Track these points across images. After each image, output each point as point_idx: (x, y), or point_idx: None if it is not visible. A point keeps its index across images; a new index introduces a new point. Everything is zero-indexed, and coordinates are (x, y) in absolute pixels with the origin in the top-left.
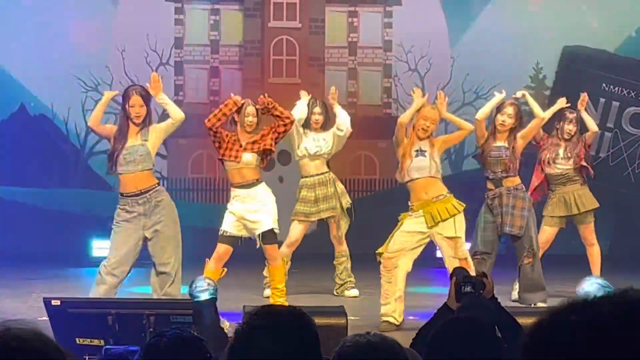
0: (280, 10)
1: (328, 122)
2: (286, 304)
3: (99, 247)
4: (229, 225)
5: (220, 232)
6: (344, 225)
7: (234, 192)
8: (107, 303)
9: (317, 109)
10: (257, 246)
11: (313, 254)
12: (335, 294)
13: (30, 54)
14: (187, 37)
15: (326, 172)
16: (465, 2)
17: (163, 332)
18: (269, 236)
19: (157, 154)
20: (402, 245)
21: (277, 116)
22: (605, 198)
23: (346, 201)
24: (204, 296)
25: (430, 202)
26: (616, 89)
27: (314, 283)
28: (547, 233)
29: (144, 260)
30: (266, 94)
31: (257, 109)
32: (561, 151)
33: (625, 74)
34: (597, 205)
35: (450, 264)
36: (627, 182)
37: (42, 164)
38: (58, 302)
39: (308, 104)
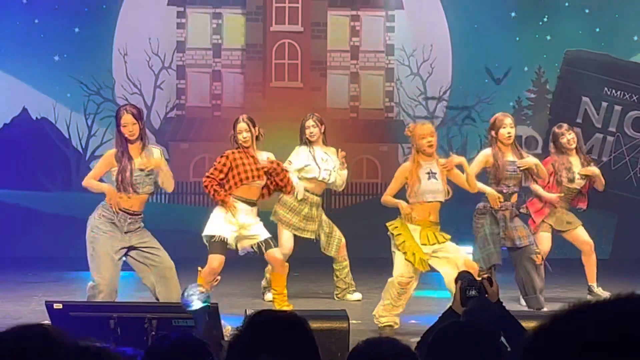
0: (283, 14)
1: (323, 134)
2: (291, 307)
3: None
4: (228, 233)
5: (217, 240)
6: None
7: (239, 204)
8: (109, 307)
9: (310, 122)
10: (262, 253)
11: (314, 258)
12: (336, 298)
13: (32, 57)
14: (190, 41)
15: (320, 195)
16: (467, 6)
17: (166, 335)
18: (272, 242)
19: None
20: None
21: (278, 184)
22: (607, 202)
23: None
24: (197, 305)
25: (432, 224)
26: (618, 93)
27: (316, 287)
28: (546, 239)
29: None
30: (274, 159)
31: (247, 122)
32: (576, 167)
33: (627, 78)
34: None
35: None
36: (629, 186)
37: (44, 167)
38: (60, 306)
39: (302, 122)
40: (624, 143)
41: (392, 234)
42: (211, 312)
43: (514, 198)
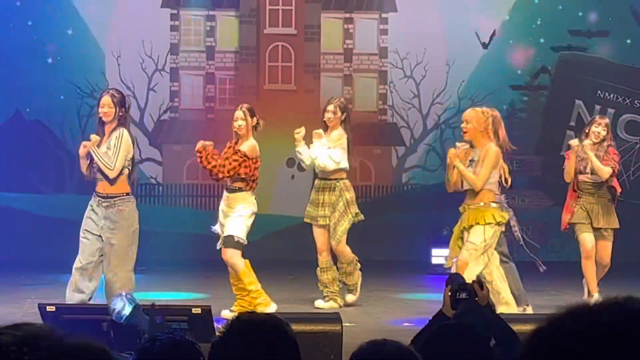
0: (276, 16)
1: (343, 122)
2: (265, 303)
3: None
4: (217, 225)
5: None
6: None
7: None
8: (102, 309)
9: (331, 107)
10: (217, 247)
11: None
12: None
13: (25, 59)
14: (183, 43)
15: (334, 178)
16: (461, 8)
17: (157, 336)
18: (228, 242)
19: (152, 160)
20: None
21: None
22: None
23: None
24: (127, 310)
25: (465, 209)
26: (611, 95)
27: (310, 290)
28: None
29: (140, 266)
30: (206, 143)
31: (244, 111)
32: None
33: (620, 81)
34: (618, 225)
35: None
36: (623, 189)
37: (37, 169)
38: (53, 308)
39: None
40: (617, 146)
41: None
42: (150, 310)
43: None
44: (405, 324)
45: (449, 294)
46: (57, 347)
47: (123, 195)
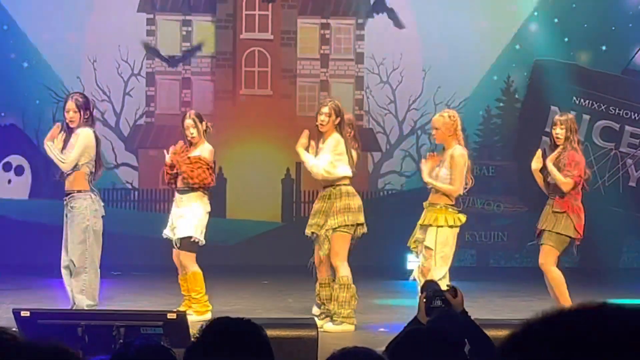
0: (252, 22)
1: (338, 126)
2: (201, 311)
3: None
4: (167, 229)
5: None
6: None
7: (175, 195)
8: (76, 314)
9: (325, 109)
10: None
11: (285, 267)
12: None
13: (0, 63)
14: (159, 48)
15: (330, 185)
16: (437, 15)
17: (131, 341)
18: (184, 243)
19: (128, 164)
20: None
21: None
22: None
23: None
24: None
25: (427, 205)
26: (586, 102)
27: (285, 295)
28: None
29: (114, 270)
30: (173, 160)
31: (193, 119)
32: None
33: (595, 87)
34: (564, 232)
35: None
36: (597, 196)
37: (12, 174)
38: (27, 313)
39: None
40: (592, 152)
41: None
42: None
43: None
44: (381, 329)
45: (424, 300)
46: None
47: (75, 192)
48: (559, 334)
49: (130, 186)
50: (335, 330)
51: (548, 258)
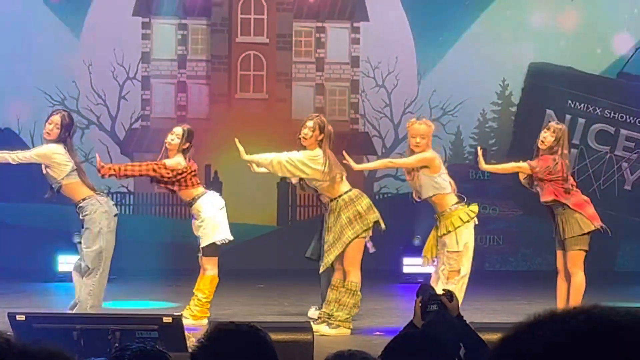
0: (248, 25)
1: (321, 142)
2: (199, 315)
3: (64, 262)
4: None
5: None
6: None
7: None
8: (72, 318)
9: (310, 123)
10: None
11: (284, 270)
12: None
13: None
14: (155, 52)
15: (333, 198)
16: (432, 18)
17: (127, 345)
18: (206, 250)
19: None
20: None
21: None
22: None
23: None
24: None
25: (439, 216)
26: (582, 105)
27: (281, 298)
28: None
29: (110, 275)
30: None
31: (184, 131)
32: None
33: (590, 91)
34: (581, 232)
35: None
36: (593, 199)
37: (8, 178)
38: (23, 317)
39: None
40: (587, 156)
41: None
42: None
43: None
44: (377, 333)
45: (420, 305)
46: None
47: (81, 202)
48: (551, 337)
49: (125, 190)
50: (330, 333)
51: (579, 262)
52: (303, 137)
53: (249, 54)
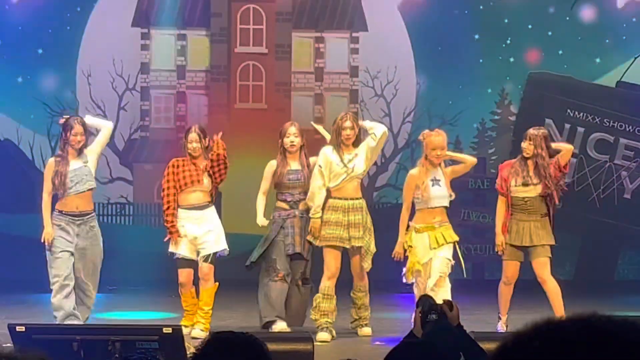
0: (247, 35)
1: (359, 138)
2: (207, 327)
3: None
4: (185, 250)
5: (179, 257)
6: (369, 260)
7: (187, 213)
8: (72, 329)
9: (348, 123)
10: (200, 264)
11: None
12: (351, 327)
13: None
14: (154, 62)
15: (360, 197)
16: (430, 27)
17: (128, 356)
18: (214, 257)
19: (123, 179)
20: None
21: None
22: (570, 223)
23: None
24: None
25: (441, 225)
26: (581, 114)
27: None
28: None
29: (110, 285)
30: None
31: (199, 134)
32: (524, 174)
33: (589, 100)
34: (553, 242)
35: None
36: (592, 208)
37: (7, 189)
38: (23, 328)
39: (335, 122)
40: (587, 165)
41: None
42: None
43: (301, 205)
44: (377, 342)
45: (420, 315)
46: None
47: (91, 212)
48: (549, 346)
49: (125, 200)
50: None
51: (548, 269)
52: (347, 138)
53: (248, 64)
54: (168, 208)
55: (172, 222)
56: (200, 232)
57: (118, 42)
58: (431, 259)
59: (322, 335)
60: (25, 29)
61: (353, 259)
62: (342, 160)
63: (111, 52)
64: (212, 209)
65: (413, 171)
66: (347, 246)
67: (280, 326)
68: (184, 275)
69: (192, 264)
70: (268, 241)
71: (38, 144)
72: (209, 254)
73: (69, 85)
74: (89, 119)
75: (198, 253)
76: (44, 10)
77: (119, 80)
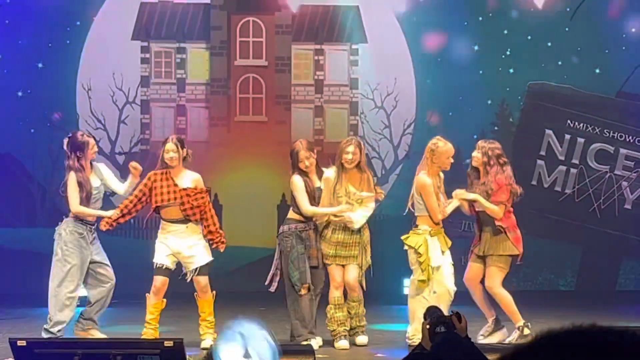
0: (247, 48)
1: (363, 166)
2: (215, 335)
3: None
4: (167, 260)
5: (158, 265)
6: (357, 273)
7: (170, 226)
8: (73, 343)
9: (351, 148)
10: (188, 279)
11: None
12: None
13: None
14: (154, 76)
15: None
16: (430, 38)
17: None
18: (204, 269)
19: None
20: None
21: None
22: (571, 234)
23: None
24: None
25: (440, 230)
26: (581, 125)
27: (283, 321)
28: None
29: (113, 299)
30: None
31: (176, 144)
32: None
33: (589, 110)
34: (501, 252)
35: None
36: (593, 218)
37: (8, 203)
38: (24, 343)
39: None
40: (587, 175)
41: (418, 252)
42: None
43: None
44: (378, 354)
45: (428, 327)
46: None
47: None
48: (549, 356)
49: None
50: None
51: (496, 280)
52: (349, 162)
53: (247, 77)
54: (121, 210)
55: (116, 218)
56: (183, 246)
57: (118, 55)
58: (441, 265)
59: (342, 344)
60: (25, 43)
61: (348, 271)
62: (347, 191)
63: (111, 65)
64: (195, 222)
65: (427, 179)
66: (347, 263)
67: (316, 343)
68: (160, 281)
69: (169, 273)
70: (298, 257)
71: (39, 158)
72: (198, 267)
73: (69, 99)
74: (104, 169)
75: (180, 265)
76: (44, 24)
77: (119, 93)
